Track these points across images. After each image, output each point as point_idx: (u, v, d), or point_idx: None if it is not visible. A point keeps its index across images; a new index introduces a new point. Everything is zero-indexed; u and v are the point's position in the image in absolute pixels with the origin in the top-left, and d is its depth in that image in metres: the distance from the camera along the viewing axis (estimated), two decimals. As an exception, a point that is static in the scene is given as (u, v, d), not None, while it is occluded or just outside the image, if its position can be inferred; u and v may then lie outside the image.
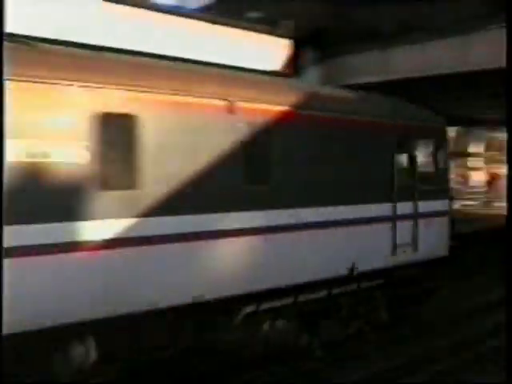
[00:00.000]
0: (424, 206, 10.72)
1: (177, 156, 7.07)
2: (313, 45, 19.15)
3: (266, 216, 7.98)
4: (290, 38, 18.81)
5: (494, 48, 16.46)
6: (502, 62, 15.95)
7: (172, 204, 6.94)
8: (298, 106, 8.63)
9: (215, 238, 7.41)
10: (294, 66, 18.96)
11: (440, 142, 11.54)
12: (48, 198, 6.01)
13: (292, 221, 8.34)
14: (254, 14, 18.24)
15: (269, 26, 18.25)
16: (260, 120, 8.03)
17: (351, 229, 9.28)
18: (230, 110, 7.61)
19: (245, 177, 7.73)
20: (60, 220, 6.04)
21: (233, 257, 7.63)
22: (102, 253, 6.36)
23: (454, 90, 20.16)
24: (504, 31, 15.48)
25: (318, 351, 8.97)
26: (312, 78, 18.50)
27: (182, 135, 7.14)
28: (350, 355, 9.35)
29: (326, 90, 11.82)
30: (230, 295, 7.52)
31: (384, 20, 19.03)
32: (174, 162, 7.04)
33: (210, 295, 7.29)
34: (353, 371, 8.71)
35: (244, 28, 17.58)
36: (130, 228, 6.61)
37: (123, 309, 6.46)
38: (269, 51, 18.16)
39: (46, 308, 5.94)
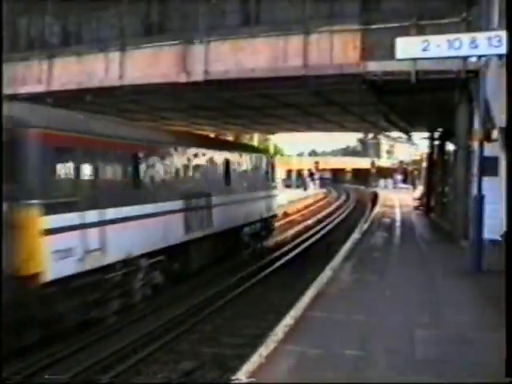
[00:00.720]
0: (273, 191, 23.51)
1: None
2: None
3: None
4: None
5: (145, 64, 18.17)
6: (152, 79, 17.68)
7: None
8: None
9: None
10: None
11: (270, 161, 23.80)
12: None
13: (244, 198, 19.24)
14: None
15: None
16: None
17: (260, 200, 21.25)
18: None
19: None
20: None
21: (231, 211, 17.75)
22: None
23: (119, 103, 21.22)
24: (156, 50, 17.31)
25: (244, 255, 19.42)
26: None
27: None
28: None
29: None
30: (239, 225, 18.69)
31: (50, 30, 19.07)
32: None
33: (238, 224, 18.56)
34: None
35: None
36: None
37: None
38: None
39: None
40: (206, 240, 15.53)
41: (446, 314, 8.94)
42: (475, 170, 13.32)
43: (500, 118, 12.41)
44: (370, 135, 78.07)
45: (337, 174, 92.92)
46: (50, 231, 9.19)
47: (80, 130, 10.43)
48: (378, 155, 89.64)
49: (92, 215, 10.21)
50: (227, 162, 17.82)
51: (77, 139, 10.13)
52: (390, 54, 12.73)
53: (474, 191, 12.67)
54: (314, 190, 63.69)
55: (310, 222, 32.67)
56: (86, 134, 10.48)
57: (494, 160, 13.05)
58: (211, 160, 16.64)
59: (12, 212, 8.67)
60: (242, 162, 19.52)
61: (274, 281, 15.99)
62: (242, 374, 6.33)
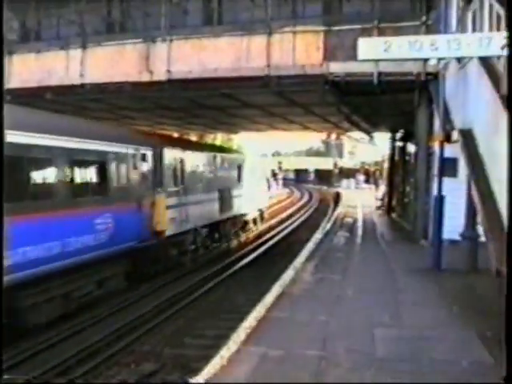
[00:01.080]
0: (264, 187, 30.02)
1: None
2: None
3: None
4: None
5: (107, 63, 17.90)
6: (113, 77, 17.46)
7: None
8: None
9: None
10: None
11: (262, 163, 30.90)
12: None
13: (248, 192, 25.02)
14: None
15: None
16: None
17: (257, 194, 26.97)
18: None
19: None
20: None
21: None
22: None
23: (80, 101, 20.87)
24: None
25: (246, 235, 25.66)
26: None
27: None
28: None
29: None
30: (245, 212, 24.99)
31: (9, 26, 18.63)
32: None
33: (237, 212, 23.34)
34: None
35: None
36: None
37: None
38: None
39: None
40: (229, 220, 22.29)
41: (407, 313, 9.04)
42: (435, 170, 13.53)
43: (458, 120, 12.63)
44: (333, 136, 78.77)
45: (300, 174, 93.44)
46: (168, 207, 15.47)
47: (179, 147, 17.16)
48: (341, 156, 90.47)
49: (183, 199, 16.80)
50: (239, 165, 24.41)
51: (178, 153, 16.72)
52: (353, 56, 12.82)
53: (435, 192, 12.87)
54: (277, 191, 63.89)
55: (272, 221, 32.76)
56: (183, 149, 17.21)
57: (454, 161, 13.28)
58: (231, 164, 23.25)
59: (154, 195, 14.64)
60: (247, 164, 25.93)
61: (237, 280, 15.99)
62: (203, 376, 6.28)
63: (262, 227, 28.59)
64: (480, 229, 10.86)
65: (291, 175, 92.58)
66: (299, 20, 16.99)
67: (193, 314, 12.55)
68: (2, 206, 5.29)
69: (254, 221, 27.45)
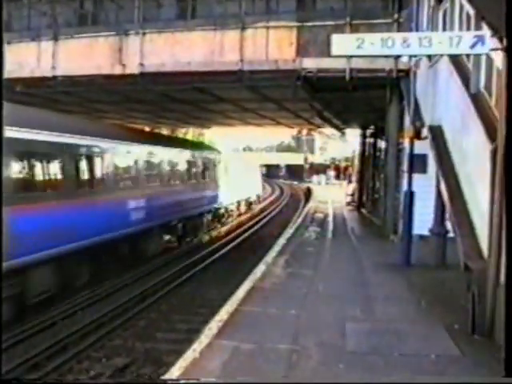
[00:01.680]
0: (259, 178, 45.52)
1: None
2: None
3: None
4: None
5: (79, 55, 17.69)
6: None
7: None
8: None
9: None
10: None
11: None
12: None
13: (251, 181, 39.19)
14: None
15: None
16: None
17: (255, 183, 41.13)
18: None
19: None
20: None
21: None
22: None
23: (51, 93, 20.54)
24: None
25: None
26: None
27: None
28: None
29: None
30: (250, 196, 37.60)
31: None
32: None
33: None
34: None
35: None
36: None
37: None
38: None
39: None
40: (242, 202, 33.78)
41: (376, 308, 9.17)
42: (405, 166, 13.70)
43: (428, 116, 12.83)
44: (304, 132, 79.10)
45: (271, 169, 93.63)
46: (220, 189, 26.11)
47: (223, 152, 29.59)
48: (312, 151, 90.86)
49: (228, 184, 27.18)
50: (243, 164, 36.40)
51: (225, 156, 28.43)
52: (325, 52, 12.91)
53: (404, 187, 13.04)
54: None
55: (242, 218, 32.80)
56: (226, 153, 31.07)
57: (424, 157, 13.46)
58: (242, 163, 35.51)
59: (218, 180, 25.91)
60: (250, 163, 40.64)
61: (208, 276, 15.99)
62: (175, 370, 6.29)
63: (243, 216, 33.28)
64: (449, 224, 11.05)
65: (262, 170, 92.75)
66: (273, 15, 17.03)
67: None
68: (2, 206, 5.23)
69: (254, 202, 39.67)
